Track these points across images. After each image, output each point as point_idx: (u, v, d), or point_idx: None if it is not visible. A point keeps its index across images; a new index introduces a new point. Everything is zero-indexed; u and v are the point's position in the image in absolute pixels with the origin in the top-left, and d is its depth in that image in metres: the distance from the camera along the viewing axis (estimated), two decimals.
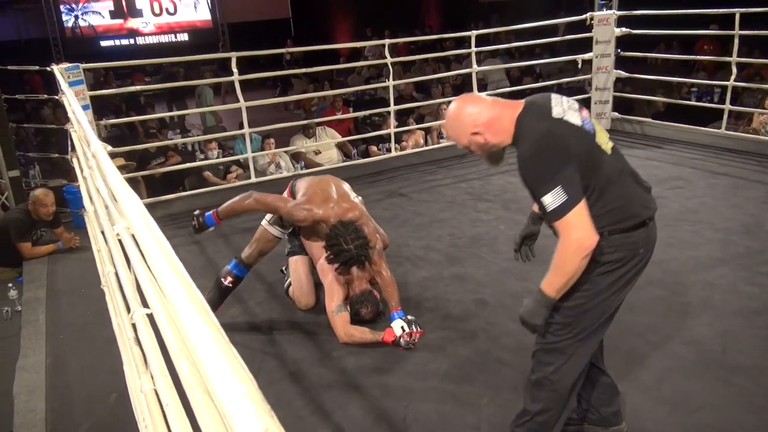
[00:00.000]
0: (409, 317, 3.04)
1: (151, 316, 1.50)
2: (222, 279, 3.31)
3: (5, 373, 3.13)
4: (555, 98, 1.94)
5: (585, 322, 1.93)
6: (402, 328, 2.97)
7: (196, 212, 3.35)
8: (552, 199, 1.78)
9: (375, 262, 3.16)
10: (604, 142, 1.91)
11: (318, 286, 3.46)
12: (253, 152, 5.77)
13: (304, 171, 6.11)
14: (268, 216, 3.38)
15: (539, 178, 1.82)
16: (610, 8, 6.57)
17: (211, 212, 3.31)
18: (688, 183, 5.07)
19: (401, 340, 2.96)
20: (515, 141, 1.92)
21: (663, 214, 4.41)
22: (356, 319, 3.15)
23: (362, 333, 3.06)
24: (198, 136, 8.48)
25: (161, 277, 0.89)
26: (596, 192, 1.85)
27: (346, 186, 3.42)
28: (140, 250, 1.32)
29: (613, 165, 1.90)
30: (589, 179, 1.84)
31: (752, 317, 3.07)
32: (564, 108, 1.89)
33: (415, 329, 2.99)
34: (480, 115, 1.94)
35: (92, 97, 5.05)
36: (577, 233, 1.78)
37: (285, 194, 3.40)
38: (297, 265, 3.48)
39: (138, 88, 8.26)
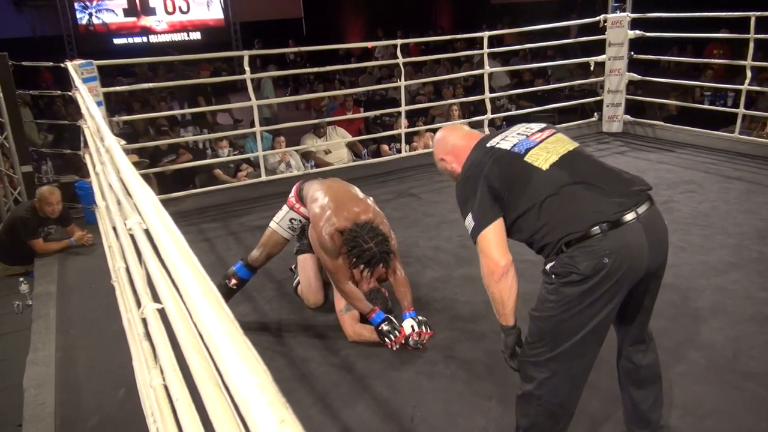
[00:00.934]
0: (421, 318, 3.03)
1: (161, 311, 1.51)
2: (226, 281, 3.31)
3: (16, 367, 3.16)
4: (512, 128, 2.07)
5: (561, 334, 1.86)
6: (412, 327, 2.96)
7: (377, 331, 3.17)
8: (467, 224, 1.96)
9: (393, 261, 3.13)
10: (542, 159, 1.90)
11: (327, 285, 3.46)
12: (263, 151, 5.78)
13: (314, 170, 6.12)
14: (277, 218, 3.36)
15: (460, 205, 2.00)
16: (624, 11, 6.53)
17: (369, 317, 3.11)
18: (700, 187, 5.04)
19: (410, 339, 2.95)
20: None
21: (674, 218, 4.40)
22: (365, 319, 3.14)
23: (371, 332, 3.05)
24: (209, 134, 8.51)
25: (175, 269, 0.89)
26: (533, 208, 1.86)
27: (355, 189, 3.35)
28: (153, 245, 1.32)
29: (551, 180, 1.87)
30: (517, 198, 1.89)
31: (765, 323, 3.04)
32: (506, 135, 2.02)
33: (425, 330, 2.97)
34: (448, 144, 2.15)
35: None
36: (484, 259, 1.93)
37: (292, 194, 3.37)
38: (305, 263, 3.47)
39: (155, 84, 8.27)
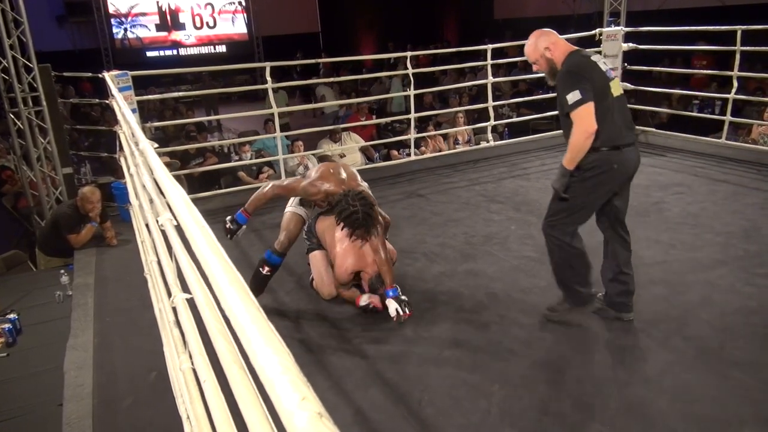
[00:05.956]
0: (403, 297, 3.13)
1: (189, 301, 1.52)
2: (260, 269, 3.35)
3: (57, 351, 3.19)
4: (598, 56, 2.80)
5: (578, 198, 2.75)
6: (396, 311, 3.08)
7: (227, 218, 3.38)
8: (571, 97, 2.59)
9: (378, 237, 3.21)
10: (615, 88, 2.72)
11: None
12: (275, 155, 5.79)
13: None
14: (290, 203, 3.47)
15: (566, 86, 2.63)
16: (618, 25, 6.49)
17: (240, 211, 3.36)
18: (689, 189, 4.99)
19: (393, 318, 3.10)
20: (561, 65, 2.73)
21: (665, 217, 4.37)
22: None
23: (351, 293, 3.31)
24: (233, 138, 8.55)
25: (205, 260, 0.90)
26: (597, 117, 2.59)
27: (354, 170, 3.49)
28: (182, 240, 1.33)
29: (611, 105, 2.67)
30: (597, 103, 2.59)
31: (750, 315, 3.00)
32: (599, 59, 2.75)
33: (407, 311, 3.09)
34: (551, 39, 2.79)
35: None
36: (583, 122, 2.58)
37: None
38: (316, 260, 3.49)
39: (183, 93, 8.30)
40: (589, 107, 2.56)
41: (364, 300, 3.22)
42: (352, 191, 3.10)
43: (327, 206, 3.33)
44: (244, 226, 3.37)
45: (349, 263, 3.22)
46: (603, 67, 2.71)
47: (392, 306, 3.09)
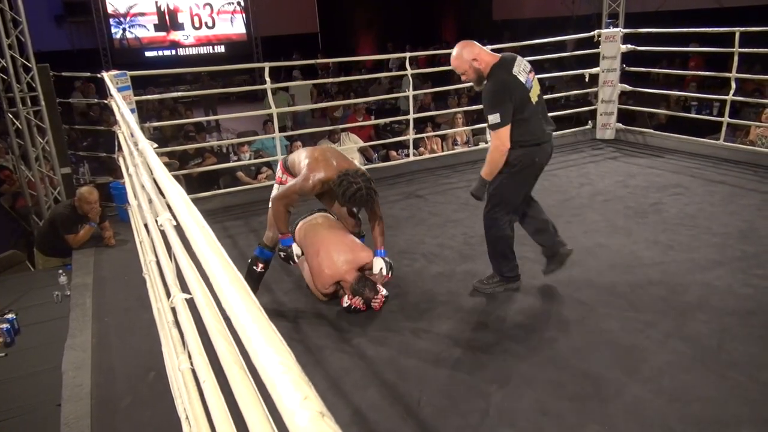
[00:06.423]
0: (388, 260, 3.29)
1: (188, 301, 1.52)
2: (254, 267, 3.34)
3: (55, 351, 3.18)
4: (518, 61, 3.03)
5: (512, 190, 3.13)
6: (381, 269, 3.24)
7: (278, 251, 3.34)
8: (493, 118, 2.93)
9: (375, 203, 3.28)
10: (534, 95, 3.03)
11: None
12: (274, 155, 5.78)
13: None
14: (272, 196, 3.43)
15: (489, 105, 2.96)
16: (617, 26, 6.50)
17: (280, 238, 3.29)
18: (687, 190, 5.00)
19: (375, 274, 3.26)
20: (487, 78, 3.02)
21: (663, 218, 4.38)
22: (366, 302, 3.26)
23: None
24: (232, 139, 8.54)
25: (205, 260, 0.90)
26: (519, 123, 2.97)
27: (337, 150, 3.50)
28: (182, 240, 1.33)
29: (533, 110, 3.02)
30: (517, 114, 2.95)
31: (747, 317, 3.01)
32: (519, 69, 3.00)
33: (389, 274, 3.28)
34: (475, 50, 3.04)
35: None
36: (498, 141, 2.97)
37: (279, 172, 3.46)
38: (306, 265, 3.50)
39: (182, 93, 8.30)
40: (506, 129, 2.93)
41: (345, 301, 3.27)
42: (349, 170, 3.12)
43: (326, 191, 3.33)
44: (294, 244, 3.30)
45: (326, 277, 3.24)
46: (522, 78, 2.97)
47: (378, 264, 3.25)
